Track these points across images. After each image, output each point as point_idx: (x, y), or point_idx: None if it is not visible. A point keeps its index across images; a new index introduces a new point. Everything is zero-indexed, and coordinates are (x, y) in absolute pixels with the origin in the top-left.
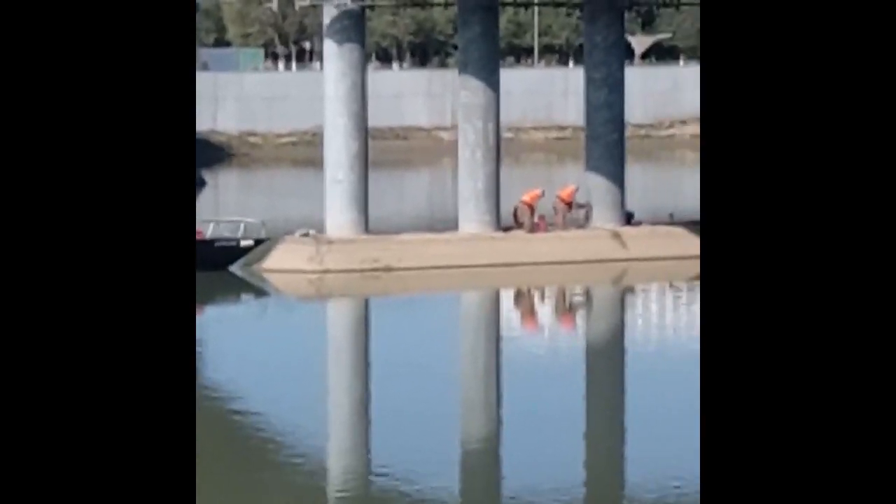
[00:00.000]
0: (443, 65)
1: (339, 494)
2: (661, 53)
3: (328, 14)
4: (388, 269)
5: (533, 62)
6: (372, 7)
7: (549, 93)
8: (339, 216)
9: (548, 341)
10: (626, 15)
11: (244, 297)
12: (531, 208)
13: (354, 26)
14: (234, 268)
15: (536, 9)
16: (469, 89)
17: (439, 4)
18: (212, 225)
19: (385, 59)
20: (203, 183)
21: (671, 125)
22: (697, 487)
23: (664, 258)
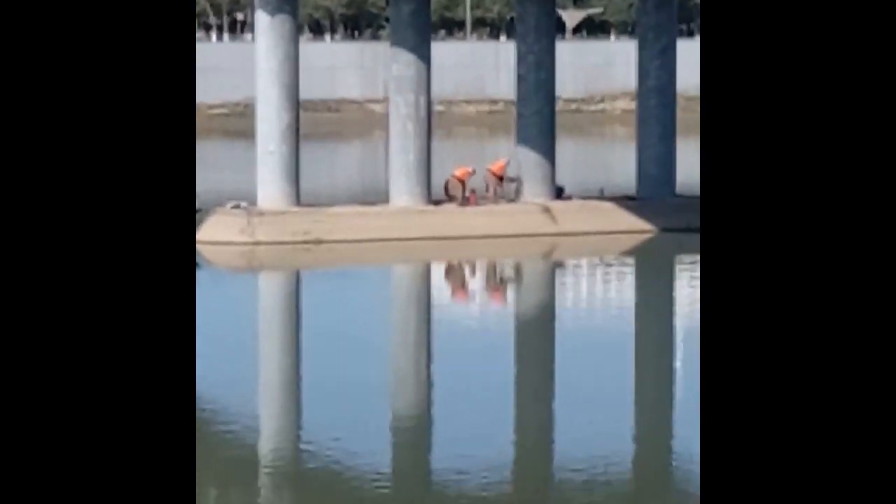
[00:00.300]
0: (375, 37)
1: (267, 468)
2: (593, 28)
3: None
4: (320, 242)
5: (465, 35)
6: None
7: (480, 66)
8: (270, 188)
9: (477, 314)
10: None
11: None
12: (462, 182)
13: None
14: None
15: None
16: (400, 62)
17: None
18: None
19: (318, 31)
20: None
21: (602, 100)
22: (625, 458)
23: (594, 233)
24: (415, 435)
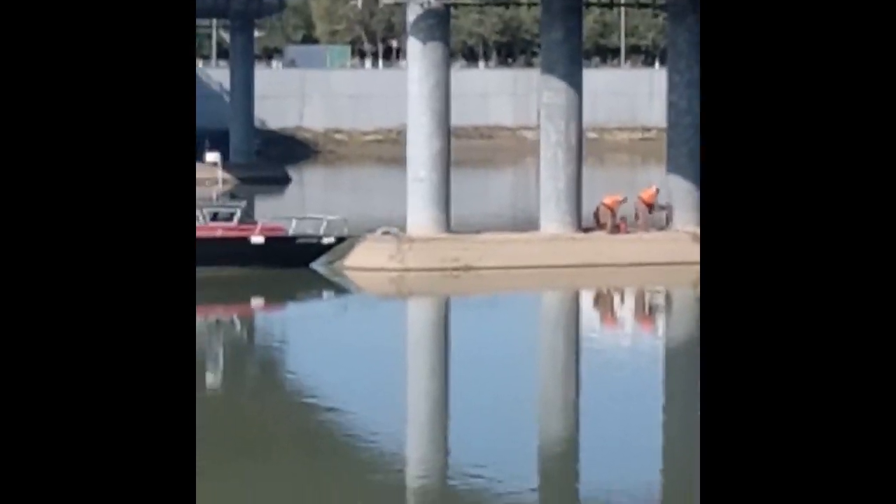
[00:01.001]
0: (529, 64)
1: (416, 489)
2: None
3: (413, 12)
4: (469, 269)
5: (619, 63)
6: (457, 5)
7: (633, 94)
8: (420, 214)
9: (627, 343)
10: None
11: (325, 294)
12: (612, 210)
13: (439, 25)
14: (316, 265)
15: (623, 9)
16: (551, 89)
17: (525, 3)
18: (294, 221)
19: (471, 57)
20: (288, 179)
21: None
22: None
23: None
24: (562, 460)
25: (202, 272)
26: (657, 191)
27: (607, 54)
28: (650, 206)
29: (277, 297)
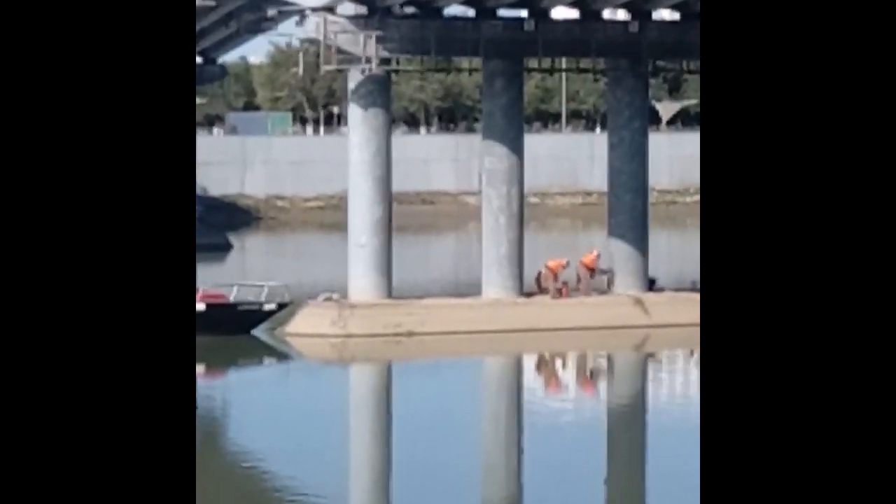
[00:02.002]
0: (470, 129)
1: None
2: (688, 120)
3: (353, 79)
4: (411, 334)
5: (560, 127)
6: (398, 72)
7: (575, 158)
8: (362, 280)
9: (569, 407)
10: (653, 81)
11: (266, 360)
12: (555, 274)
13: (380, 91)
14: (258, 331)
15: (564, 75)
16: (493, 155)
17: (466, 70)
18: (236, 288)
19: (412, 123)
20: (229, 246)
21: (697, 191)
22: None
23: (686, 325)
24: None
25: None
26: (598, 255)
27: (548, 119)
28: (592, 271)
29: (219, 363)
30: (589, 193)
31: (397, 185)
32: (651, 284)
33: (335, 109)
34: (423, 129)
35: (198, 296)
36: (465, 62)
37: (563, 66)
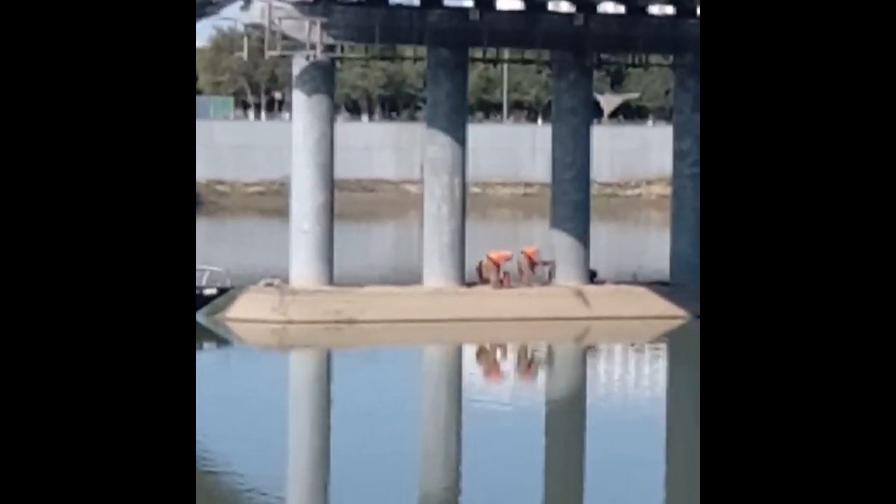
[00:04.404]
0: (412, 118)
1: None
2: (630, 113)
3: (297, 65)
4: (352, 322)
5: (502, 118)
6: (342, 59)
7: (517, 149)
8: (303, 267)
9: (508, 397)
10: (595, 74)
11: (206, 345)
12: (497, 265)
13: (324, 78)
14: (198, 316)
15: (506, 65)
16: (436, 144)
17: (410, 58)
18: None
19: (355, 110)
20: None
21: (638, 185)
22: None
23: (626, 317)
24: None
25: None
26: (539, 247)
27: (490, 109)
28: (533, 262)
29: None
30: (530, 184)
31: (339, 173)
32: (592, 276)
33: (277, 95)
34: (365, 117)
35: None
36: (408, 50)
37: (508, 56)
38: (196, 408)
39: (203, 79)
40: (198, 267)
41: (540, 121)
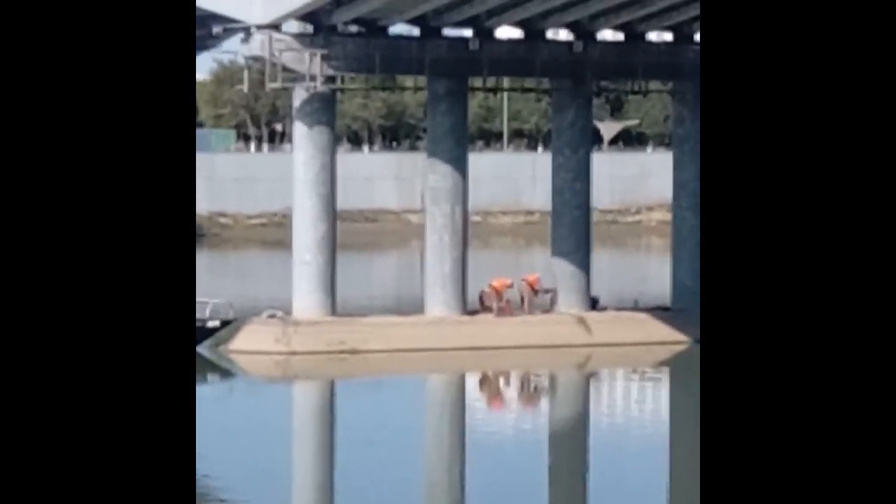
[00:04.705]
0: (413, 148)
1: None
2: (629, 140)
3: (298, 97)
4: (355, 352)
5: (502, 146)
6: (342, 90)
7: (517, 177)
8: (306, 298)
9: (511, 425)
10: (595, 101)
11: (210, 377)
12: (498, 293)
13: (325, 109)
14: (201, 348)
15: (506, 94)
16: (437, 173)
17: (410, 88)
18: None
19: (356, 141)
20: None
21: (638, 211)
22: None
23: (629, 344)
24: None
25: None
26: (540, 275)
27: (490, 138)
28: (535, 290)
29: None
30: (531, 212)
31: (340, 203)
32: (594, 303)
33: (278, 127)
34: (366, 148)
35: None
36: (409, 80)
37: (507, 85)
38: (197, 439)
39: (204, 112)
40: (201, 299)
41: (540, 149)
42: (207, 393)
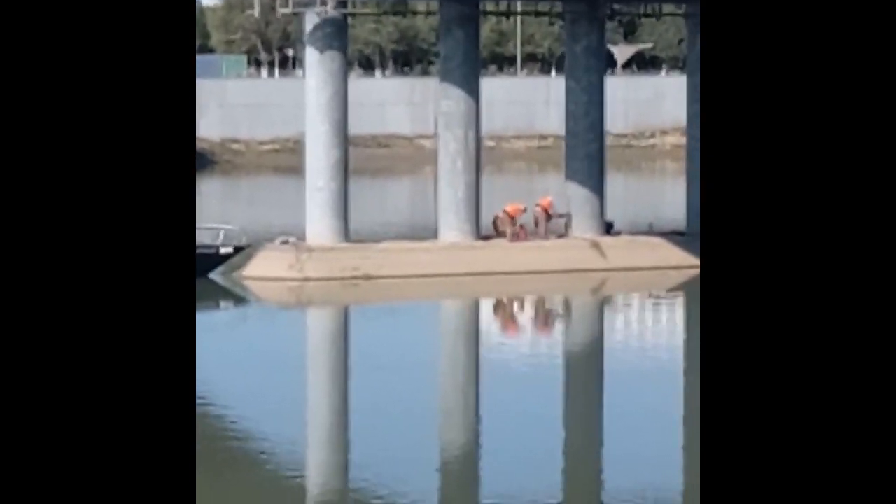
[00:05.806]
0: (425, 73)
1: (318, 496)
2: (643, 63)
3: (310, 21)
4: (368, 278)
5: (516, 71)
6: (354, 15)
7: (531, 102)
8: (319, 224)
9: (526, 350)
10: (608, 25)
11: (223, 304)
12: (512, 218)
13: (336, 34)
14: (214, 275)
15: (519, 18)
16: (450, 98)
17: (422, 13)
18: None
19: (368, 66)
20: None
21: (652, 135)
22: (672, 485)
23: (643, 268)
24: (462, 465)
25: None
26: (553, 199)
27: (503, 62)
28: (549, 214)
29: None
30: (545, 137)
31: (353, 129)
32: (608, 228)
33: (290, 52)
34: (378, 73)
35: None
36: (421, 5)
37: (520, 9)
38: (211, 366)
39: (215, 37)
40: (213, 226)
41: (553, 73)
42: (221, 319)
